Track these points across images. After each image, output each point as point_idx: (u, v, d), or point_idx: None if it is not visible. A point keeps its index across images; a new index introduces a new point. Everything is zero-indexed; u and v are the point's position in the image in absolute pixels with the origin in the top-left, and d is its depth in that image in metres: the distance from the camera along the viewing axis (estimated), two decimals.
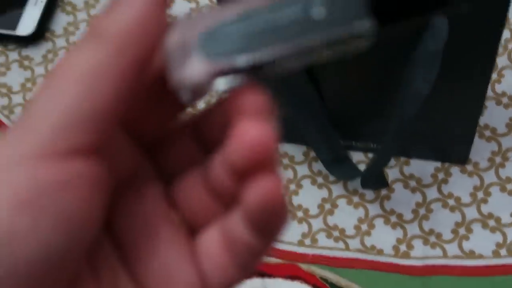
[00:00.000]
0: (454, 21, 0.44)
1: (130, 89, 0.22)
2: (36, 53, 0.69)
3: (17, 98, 0.67)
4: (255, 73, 0.22)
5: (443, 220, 0.57)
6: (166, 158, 0.27)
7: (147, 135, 0.26)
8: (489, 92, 0.61)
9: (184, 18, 0.23)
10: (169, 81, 0.23)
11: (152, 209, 0.26)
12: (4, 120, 0.66)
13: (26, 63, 0.69)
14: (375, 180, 0.55)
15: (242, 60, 0.22)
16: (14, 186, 0.20)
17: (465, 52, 0.47)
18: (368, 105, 0.55)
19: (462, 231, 0.57)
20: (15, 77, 0.68)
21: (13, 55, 0.70)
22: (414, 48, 0.46)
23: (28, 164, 0.21)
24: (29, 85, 0.68)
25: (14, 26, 0.69)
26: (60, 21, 0.70)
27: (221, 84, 0.22)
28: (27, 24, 0.69)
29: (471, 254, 0.56)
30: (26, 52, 0.69)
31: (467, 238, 0.56)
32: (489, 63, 0.48)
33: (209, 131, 0.26)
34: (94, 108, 0.21)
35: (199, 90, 0.23)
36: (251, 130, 0.22)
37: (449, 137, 0.57)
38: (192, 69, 0.22)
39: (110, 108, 0.22)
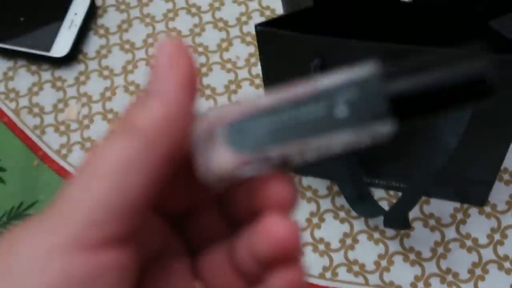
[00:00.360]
0: None
1: (160, 181, 0.23)
2: (68, 74, 0.71)
3: (49, 118, 0.69)
4: (279, 165, 0.24)
5: (460, 260, 0.59)
6: (193, 231, 0.27)
7: (174, 211, 0.27)
8: None
9: (211, 110, 0.24)
10: (196, 169, 0.24)
11: (178, 282, 0.27)
12: (35, 139, 0.68)
13: (58, 84, 0.71)
14: (398, 221, 0.57)
15: (268, 154, 0.23)
16: (47, 276, 0.21)
17: (492, 104, 0.49)
18: (393, 146, 0.57)
19: (478, 271, 0.59)
20: (47, 97, 0.70)
21: (46, 75, 0.72)
22: None
23: (61, 256, 0.21)
24: (61, 105, 0.70)
25: (48, 48, 0.71)
26: (93, 43, 0.72)
27: (247, 173, 0.24)
28: (61, 46, 0.71)
29: None
30: (59, 73, 0.71)
31: (483, 279, 0.58)
32: None
33: (235, 209, 0.26)
34: (125, 201, 0.22)
35: (226, 179, 0.24)
36: (279, 226, 0.23)
37: (470, 180, 0.58)
38: (219, 160, 0.23)
39: (141, 200, 0.22)
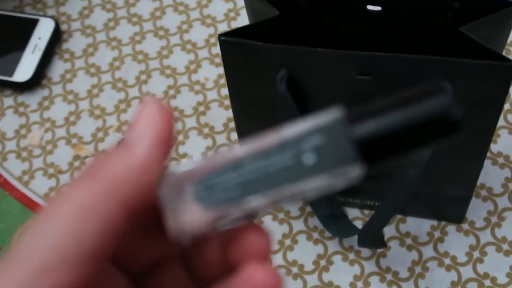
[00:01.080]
0: (458, 89, 0.44)
1: (117, 230, 0.22)
2: (31, 99, 0.69)
3: (10, 145, 0.67)
4: (250, 215, 0.23)
5: (439, 279, 0.57)
6: (154, 287, 0.26)
7: (136, 266, 0.26)
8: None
9: (179, 166, 0.24)
10: (165, 225, 0.23)
11: None
12: None
13: (21, 109, 0.69)
14: (372, 240, 0.55)
15: (237, 209, 0.23)
16: None
17: (467, 121, 0.48)
18: None
19: None
20: (9, 123, 0.68)
21: (9, 101, 0.69)
22: None
23: None
24: (23, 131, 0.67)
25: (11, 72, 0.69)
26: (58, 68, 0.70)
27: (218, 227, 0.23)
28: (24, 70, 0.69)
29: None
30: (22, 98, 0.69)
31: None
32: (489, 131, 0.49)
33: (204, 263, 0.26)
34: (78, 248, 0.21)
35: (196, 235, 0.24)
36: (263, 275, 0.23)
37: (446, 197, 0.57)
38: (190, 217, 0.23)
39: (96, 248, 0.22)
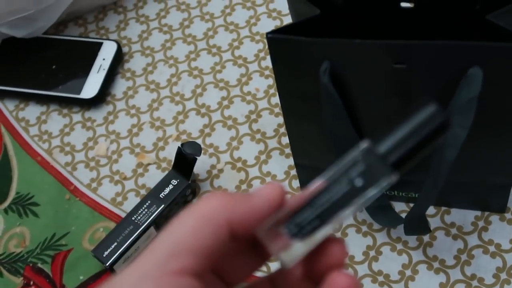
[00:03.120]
0: (488, 72, 0.48)
1: (223, 241, 0.30)
2: (97, 115, 0.75)
3: (79, 156, 0.73)
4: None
5: (484, 266, 0.60)
6: None
7: (232, 279, 0.33)
8: None
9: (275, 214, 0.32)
10: (271, 254, 0.31)
11: None
12: (67, 175, 0.72)
13: (88, 124, 0.75)
14: (417, 225, 0.58)
15: (321, 235, 0.31)
16: None
17: (497, 104, 0.51)
18: None
19: (503, 275, 0.59)
20: (78, 136, 0.74)
21: (77, 117, 0.75)
22: (451, 97, 0.50)
23: (152, 279, 0.29)
24: (91, 143, 0.73)
25: (78, 91, 0.75)
26: (120, 86, 0.76)
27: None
28: (90, 88, 0.75)
29: None
30: (89, 114, 0.75)
31: (508, 283, 0.58)
32: None
33: (289, 281, 0.32)
34: (196, 244, 0.29)
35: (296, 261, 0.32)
36: (344, 280, 0.29)
37: (488, 187, 0.60)
38: (292, 253, 0.31)
39: (208, 247, 0.29)
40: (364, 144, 0.31)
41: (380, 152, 0.31)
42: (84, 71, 0.76)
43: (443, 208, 0.63)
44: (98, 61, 0.77)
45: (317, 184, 0.31)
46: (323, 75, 0.51)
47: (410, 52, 0.49)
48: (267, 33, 0.50)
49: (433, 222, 0.62)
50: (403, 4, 0.52)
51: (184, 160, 0.66)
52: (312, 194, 0.31)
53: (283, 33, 0.50)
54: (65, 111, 0.76)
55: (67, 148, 0.74)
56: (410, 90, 0.51)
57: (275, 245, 0.31)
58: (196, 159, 0.65)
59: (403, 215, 0.63)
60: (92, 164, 0.72)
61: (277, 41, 0.51)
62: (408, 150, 0.30)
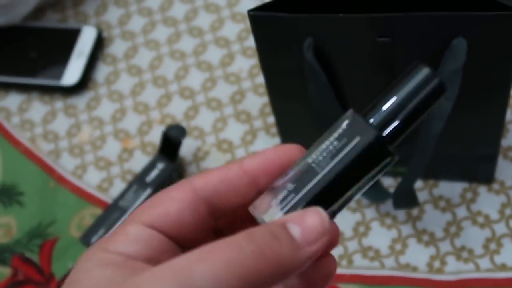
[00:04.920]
0: (472, 43, 0.48)
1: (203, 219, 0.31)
2: (79, 101, 0.74)
3: (63, 143, 0.72)
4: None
5: (473, 237, 0.60)
6: None
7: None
8: (511, 116, 0.65)
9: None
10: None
11: None
12: (51, 163, 0.71)
13: (70, 111, 0.74)
14: (406, 199, 0.58)
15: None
16: None
17: (482, 74, 0.51)
18: None
19: (493, 246, 0.59)
20: (60, 124, 0.73)
21: (59, 104, 0.74)
22: (436, 68, 0.49)
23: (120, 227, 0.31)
24: (74, 130, 0.72)
25: (59, 78, 0.74)
26: (102, 71, 0.76)
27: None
28: (71, 75, 0.74)
29: (503, 267, 0.58)
30: (71, 101, 0.74)
31: (498, 252, 0.59)
32: (506, 84, 0.52)
33: None
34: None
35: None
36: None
37: (474, 157, 0.60)
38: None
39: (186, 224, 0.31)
40: (349, 112, 0.31)
41: (372, 122, 0.30)
42: (64, 57, 0.75)
43: (431, 182, 0.63)
44: (78, 47, 0.76)
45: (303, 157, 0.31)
46: (307, 51, 0.50)
47: (394, 24, 0.48)
48: (249, 11, 0.50)
49: (422, 196, 0.62)
50: None
51: (169, 144, 0.65)
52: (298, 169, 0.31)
53: (265, 10, 0.50)
54: (46, 98, 0.75)
55: (50, 136, 0.73)
56: (394, 63, 0.51)
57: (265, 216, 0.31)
58: (181, 142, 0.65)
59: (391, 190, 0.63)
60: (76, 151, 0.71)
61: (259, 18, 0.50)
62: (402, 120, 0.30)
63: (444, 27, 0.48)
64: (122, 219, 0.64)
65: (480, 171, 0.61)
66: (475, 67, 0.49)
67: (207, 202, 0.31)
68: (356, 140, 0.30)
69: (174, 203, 0.30)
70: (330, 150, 0.30)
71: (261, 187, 0.32)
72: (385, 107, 0.30)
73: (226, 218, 0.33)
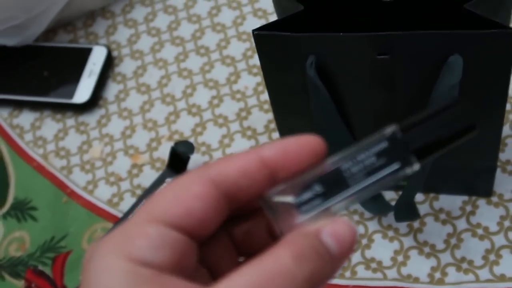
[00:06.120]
0: (468, 59, 0.50)
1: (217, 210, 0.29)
2: (90, 118, 0.77)
3: (74, 159, 0.74)
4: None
5: (473, 248, 0.61)
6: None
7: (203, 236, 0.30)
8: (509, 131, 0.66)
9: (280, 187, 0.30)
10: (276, 227, 0.30)
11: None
12: (63, 178, 0.73)
13: (82, 128, 0.76)
14: (407, 212, 0.60)
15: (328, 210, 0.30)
16: None
17: (478, 89, 0.53)
18: None
19: (492, 257, 0.61)
20: (72, 141, 0.76)
21: (70, 121, 0.77)
22: (433, 84, 0.51)
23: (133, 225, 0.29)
24: (85, 147, 0.75)
25: (71, 96, 0.76)
26: (112, 89, 0.78)
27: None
28: (82, 93, 0.76)
29: (502, 278, 0.59)
30: (82, 118, 0.77)
31: (497, 263, 0.60)
32: (502, 99, 0.54)
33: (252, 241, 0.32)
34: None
35: None
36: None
37: (474, 172, 0.61)
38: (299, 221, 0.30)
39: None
40: (390, 128, 0.30)
41: (406, 138, 0.30)
42: (76, 76, 0.78)
43: (432, 195, 0.65)
44: (89, 66, 0.78)
45: (332, 160, 0.30)
46: (309, 69, 0.52)
47: (392, 43, 0.50)
48: (253, 30, 0.52)
49: (422, 209, 0.64)
50: None
51: (178, 159, 0.67)
52: (326, 168, 0.30)
53: (269, 29, 0.52)
54: (58, 116, 0.78)
55: (62, 153, 0.75)
56: (394, 79, 0.53)
57: (281, 217, 0.30)
58: (189, 157, 0.67)
59: (393, 203, 0.65)
60: (88, 167, 0.73)
61: (263, 37, 0.52)
62: (433, 144, 0.30)
63: (441, 44, 0.50)
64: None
65: (479, 185, 0.63)
66: (471, 83, 0.51)
67: (226, 196, 0.29)
68: (396, 166, 0.30)
69: (197, 200, 0.28)
70: (367, 165, 0.30)
71: (279, 179, 0.30)
72: (422, 131, 0.31)
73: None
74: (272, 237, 0.32)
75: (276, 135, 0.71)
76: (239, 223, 0.32)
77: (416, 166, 0.30)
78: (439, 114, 0.31)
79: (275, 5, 0.57)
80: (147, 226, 0.27)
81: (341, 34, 0.51)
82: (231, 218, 0.31)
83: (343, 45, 0.52)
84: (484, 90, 0.53)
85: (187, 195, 0.28)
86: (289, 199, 0.30)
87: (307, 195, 0.30)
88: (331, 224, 0.28)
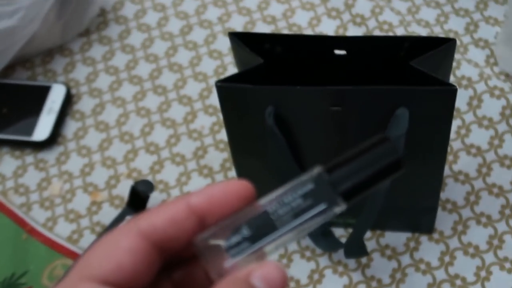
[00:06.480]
0: (413, 112, 0.54)
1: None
2: (49, 156, 0.78)
3: (34, 196, 0.76)
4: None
5: (417, 283, 0.66)
6: None
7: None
8: (448, 171, 0.72)
9: (209, 231, 0.31)
10: (208, 270, 0.31)
11: None
12: (23, 215, 0.74)
13: (41, 165, 0.78)
14: (356, 249, 0.64)
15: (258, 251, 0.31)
16: None
17: (423, 138, 0.58)
18: None
19: None
20: (31, 178, 0.77)
21: (29, 158, 0.78)
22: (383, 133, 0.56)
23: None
24: (44, 184, 0.76)
25: (30, 133, 0.78)
26: (70, 127, 0.80)
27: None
28: (41, 131, 0.78)
29: None
30: (41, 155, 0.79)
31: None
32: (443, 147, 0.59)
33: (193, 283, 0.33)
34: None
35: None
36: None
37: (417, 211, 0.66)
38: (229, 265, 0.31)
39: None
40: (316, 169, 0.31)
41: (331, 179, 0.31)
42: (35, 114, 0.80)
43: (378, 231, 0.69)
44: (48, 104, 0.80)
45: (261, 202, 0.31)
46: (268, 118, 0.56)
47: (344, 96, 0.55)
48: (216, 82, 0.56)
49: (370, 245, 0.68)
50: (337, 52, 0.58)
51: (138, 198, 0.70)
52: (253, 210, 0.31)
53: (231, 81, 0.56)
54: (17, 153, 0.79)
55: (22, 189, 0.76)
56: (347, 129, 0.57)
57: (212, 261, 0.30)
58: (149, 196, 0.70)
59: (343, 239, 0.69)
60: (47, 204, 0.75)
61: (225, 88, 0.56)
62: (359, 183, 0.31)
63: (388, 98, 0.54)
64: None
65: (421, 222, 0.68)
66: (417, 133, 0.56)
67: (156, 246, 0.30)
68: (322, 207, 0.31)
69: (126, 254, 0.29)
70: (294, 207, 0.31)
71: (208, 225, 0.31)
72: (348, 171, 0.31)
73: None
74: (210, 281, 0.32)
75: (232, 173, 0.74)
76: (180, 268, 0.33)
77: (343, 206, 0.31)
78: (365, 152, 0.31)
79: (236, 58, 0.60)
80: (80, 283, 0.28)
81: (298, 87, 0.55)
82: (174, 264, 0.33)
83: (300, 97, 0.56)
84: (427, 139, 0.57)
85: (117, 250, 0.29)
86: (220, 242, 0.30)
87: (235, 239, 0.30)
88: (261, 267, 0.29)
